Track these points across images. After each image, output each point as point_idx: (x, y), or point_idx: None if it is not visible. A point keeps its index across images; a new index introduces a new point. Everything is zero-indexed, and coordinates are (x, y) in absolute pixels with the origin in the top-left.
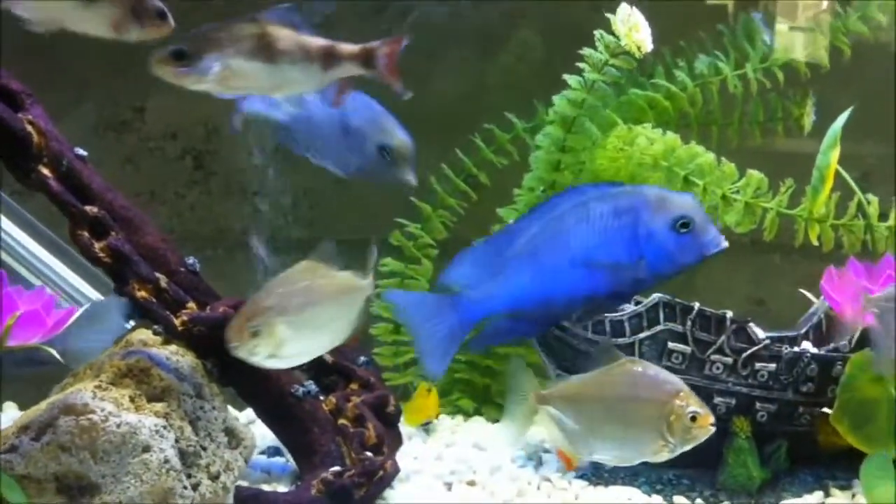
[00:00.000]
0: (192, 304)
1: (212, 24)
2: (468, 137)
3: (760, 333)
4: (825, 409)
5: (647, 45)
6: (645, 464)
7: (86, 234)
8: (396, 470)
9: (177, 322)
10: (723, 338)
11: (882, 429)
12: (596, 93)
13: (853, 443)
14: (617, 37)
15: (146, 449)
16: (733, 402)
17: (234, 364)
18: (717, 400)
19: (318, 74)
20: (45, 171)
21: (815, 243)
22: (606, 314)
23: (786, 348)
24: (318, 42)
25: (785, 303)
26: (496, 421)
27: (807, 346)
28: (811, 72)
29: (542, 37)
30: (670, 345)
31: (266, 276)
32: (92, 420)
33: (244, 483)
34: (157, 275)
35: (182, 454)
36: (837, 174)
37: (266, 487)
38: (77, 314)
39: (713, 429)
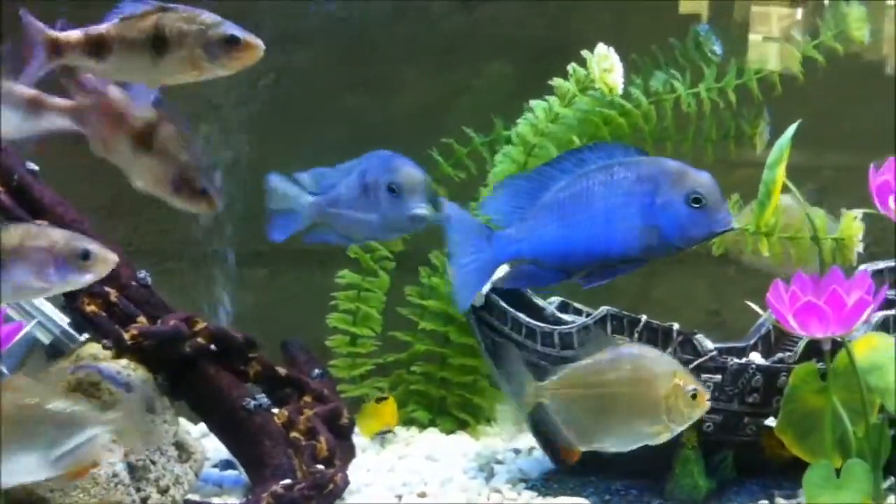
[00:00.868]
0: (142, 318)
1: None
2: (426, 151)
3: (708, 345)
4: (770, 421)
5: (619, 89)
6: (594, 474)
7: None
8: (347, 482)
9: (126, 336)
10: (669, 350)
11: (825, 439)
12: (560, 122)
13: (797, 453)
14: (589, 73)
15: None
16: None
17: (185, 378)
18: None
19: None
20: None
21: (766, 255)
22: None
23: (731, 360)
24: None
25: (740, 314)
26: (451, 432)
27: (754, 357)
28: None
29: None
30: None
31: (227, 288)
32: None
33: (195, 496)
34: (107, 289)
35: (131, 468)
36: (785, 188)
37: (217, 500)
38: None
39: (709, 404)
